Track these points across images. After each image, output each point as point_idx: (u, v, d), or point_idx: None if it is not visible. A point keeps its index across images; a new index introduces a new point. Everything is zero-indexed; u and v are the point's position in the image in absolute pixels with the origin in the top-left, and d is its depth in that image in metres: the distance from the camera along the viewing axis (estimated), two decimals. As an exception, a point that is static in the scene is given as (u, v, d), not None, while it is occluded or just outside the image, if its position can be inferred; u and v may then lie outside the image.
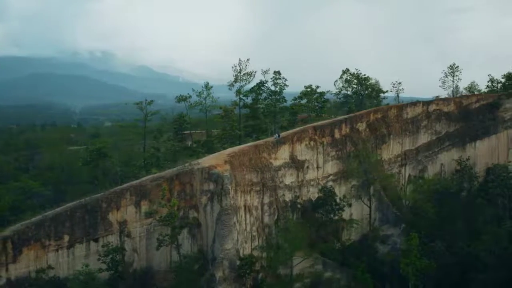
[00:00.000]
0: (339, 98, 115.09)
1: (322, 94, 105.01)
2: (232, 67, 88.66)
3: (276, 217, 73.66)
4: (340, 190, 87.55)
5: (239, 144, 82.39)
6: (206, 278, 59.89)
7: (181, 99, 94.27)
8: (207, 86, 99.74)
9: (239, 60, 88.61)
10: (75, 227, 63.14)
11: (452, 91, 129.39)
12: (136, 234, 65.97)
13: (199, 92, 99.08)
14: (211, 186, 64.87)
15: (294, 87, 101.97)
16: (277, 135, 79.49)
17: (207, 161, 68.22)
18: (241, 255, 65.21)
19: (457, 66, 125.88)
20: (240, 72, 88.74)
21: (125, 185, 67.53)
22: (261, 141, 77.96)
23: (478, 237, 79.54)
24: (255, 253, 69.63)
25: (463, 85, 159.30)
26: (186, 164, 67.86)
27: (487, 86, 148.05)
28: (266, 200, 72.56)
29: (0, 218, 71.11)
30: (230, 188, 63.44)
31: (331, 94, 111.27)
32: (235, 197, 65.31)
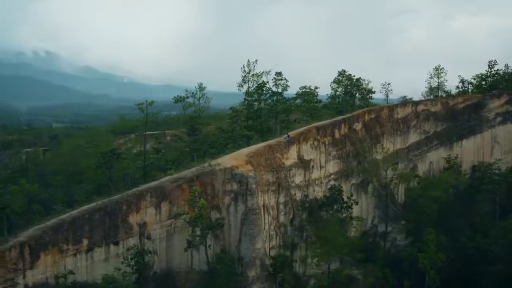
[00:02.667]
0: (327, 99, 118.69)
1: (314, 94, 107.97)
2: (241, 68, 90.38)
3: (291, 216, 75.89)
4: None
5: (247, 144, 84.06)
6: (237, 278, 61.20)
7: (178, 100, 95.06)
8: (201, 87, 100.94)
9: (248, 61, 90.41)
10: (95, 230, 63.15)
11: (438, 91, 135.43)
12: (156, 236, 66.76)
13: (193, 93, 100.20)
14: (235, 187, 66.65)
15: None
16: (286, 135, 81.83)
17: (227, 161, 69.73)
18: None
19: (442, 68, 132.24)
20: (248, 73, 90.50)
21: (144, 186, 68.18)
22: (273, 141, 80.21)
23: (479, 231, 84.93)
24: (272, 252, 71.65)
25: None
26: (205, 165, 69.06)
27: (457, 87, 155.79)
28: (282, 199, 74.88)
29: (7, 222, 69.57)
30: (255, 188, 65.15)
31: (326, 95, 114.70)
32: (257, 197, 67.10)
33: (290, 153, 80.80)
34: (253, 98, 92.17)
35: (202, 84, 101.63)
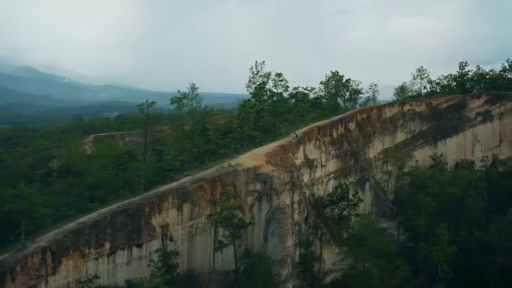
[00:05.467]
0: (315, 100, 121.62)
1: (305, 95, 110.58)
2: (249, 69, 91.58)
3: (305, 214, 77.87)
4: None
5: (255, 144, 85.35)
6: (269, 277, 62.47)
7: (175, 100, 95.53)
8: (193, 88, 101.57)
9: (255, 62, 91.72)
10: (117, 233, 62.96)
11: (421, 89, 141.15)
12: (178, 237, 67.14)
13: (186, 94, 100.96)
14: (258, 186, 68.10)
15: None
16: (295, 135, 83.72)
17: (246, 161, 70.90)
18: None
19: (425, 69, 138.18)
20: (257, 74, 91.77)
21: (165, 187, 68.30)
22: (283, 141, 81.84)
23: (474, 225, 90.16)
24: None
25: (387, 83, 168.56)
26: (225, 165, 69.99)
27: (424, 87, 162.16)
28: (296, 198, 76.75)
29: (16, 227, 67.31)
30: (279, 187, 66.75)
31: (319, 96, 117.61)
32: (282, 196, 68.74)
33: (299, 153, 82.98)
34: (255, 99, 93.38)
35: (194, 84, 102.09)
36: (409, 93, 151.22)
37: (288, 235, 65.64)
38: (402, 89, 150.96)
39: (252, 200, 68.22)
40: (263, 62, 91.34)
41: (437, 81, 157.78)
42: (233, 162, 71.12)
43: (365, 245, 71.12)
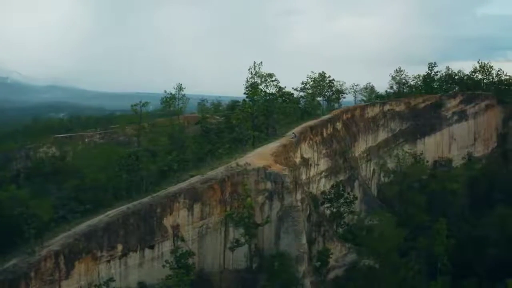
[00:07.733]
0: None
1: (289, 94, 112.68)
2: (249, 69, 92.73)
3: (308, 212, 79.98)
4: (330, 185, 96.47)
5: (253, 144, 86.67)
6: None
7: (167, 101, 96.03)
8: (180, 88, 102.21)
9: (254, 62, 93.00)
10: (129, 235, 63.15)
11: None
12: (188, 237, 67.79)
13: (173, 94, 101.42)
14: (268, 185, 69.66)
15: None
16: (293, 134, 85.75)
17: (255, 161, 72.32)
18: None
19: (403, 70, 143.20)
20: (255, 74, 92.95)
21: (175, 187, 68.81)
22: (283, 140, 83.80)
23: (462, 220, 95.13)
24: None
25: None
26: (233, 165, 71.15)
27: (391, 87, 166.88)
28: (299, 196, 78.42)
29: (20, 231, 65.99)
30: (290, 186, 68.64)
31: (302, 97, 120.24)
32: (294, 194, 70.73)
33: (298, 152, 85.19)
34: (249, 99, 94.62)
35: (181, 84, 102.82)
36: (376, 93, 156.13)
37: (303, 232, 67.61)
38: (371, 90, 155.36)
39: (262, 199, 69.76)
40: (261, 62, 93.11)
41: (403, 81, 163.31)
42: (241, 161, 72.36)
43: (383, 240, 73.80)
